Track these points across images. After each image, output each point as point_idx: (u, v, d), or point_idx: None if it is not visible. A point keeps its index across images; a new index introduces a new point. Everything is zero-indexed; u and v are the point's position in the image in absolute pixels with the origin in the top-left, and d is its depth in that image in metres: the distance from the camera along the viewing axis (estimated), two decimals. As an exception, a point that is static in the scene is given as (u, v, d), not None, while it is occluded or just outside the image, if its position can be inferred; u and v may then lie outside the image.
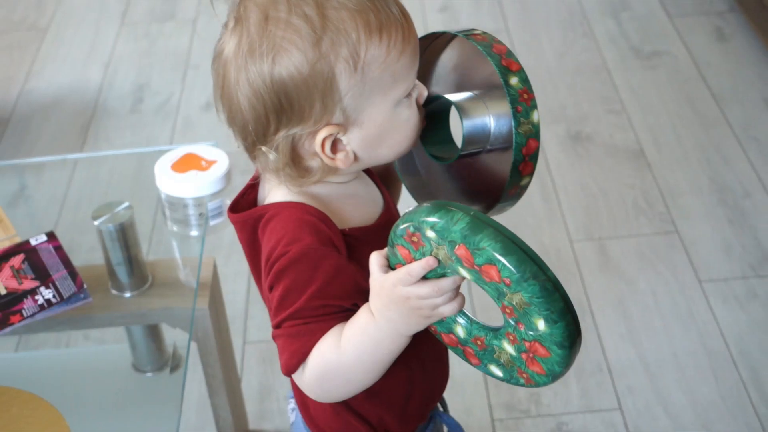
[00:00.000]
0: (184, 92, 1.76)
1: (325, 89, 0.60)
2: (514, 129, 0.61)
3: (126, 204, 0.92)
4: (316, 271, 0.62)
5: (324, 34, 0.60)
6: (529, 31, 1.83)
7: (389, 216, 0.69)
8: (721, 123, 1.53)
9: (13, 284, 0.94)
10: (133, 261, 0.96)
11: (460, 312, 0.62)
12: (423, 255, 0.56)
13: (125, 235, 0.93)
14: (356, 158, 0.63)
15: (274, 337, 0.64)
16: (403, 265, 0.57)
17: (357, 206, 0.69)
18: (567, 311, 0.55)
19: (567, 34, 1.81)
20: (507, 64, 0.62)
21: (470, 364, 0.64)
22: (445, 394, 0.74)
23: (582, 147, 1.51)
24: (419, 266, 0.55)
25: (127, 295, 0.96)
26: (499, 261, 0.52)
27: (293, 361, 0.62)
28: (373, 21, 0.61)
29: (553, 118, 1.57)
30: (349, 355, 0.60)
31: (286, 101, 0.61)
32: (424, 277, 0.58)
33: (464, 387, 1.15)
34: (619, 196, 1.40)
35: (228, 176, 1.00)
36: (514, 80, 0.61)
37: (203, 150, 0.99)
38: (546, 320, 0.55)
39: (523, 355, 0.61)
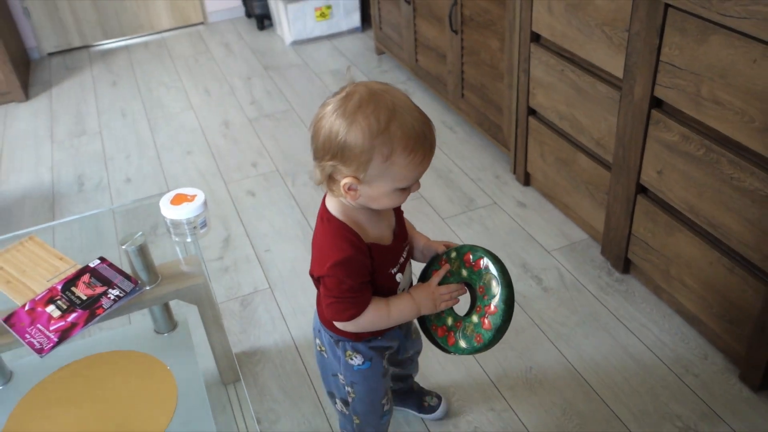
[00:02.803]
0: (109, 174, 2.64)
1: (364, 161, 0.94)
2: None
3: (140, 233, 1.31)
4: (357, 267, 1.03)
5: (381, 134, 0.92)
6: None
7: (398, 242, 1.11)
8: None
9: (89, 292, 1.27)
10: (149, 267, 1.32)
11: (450, 309, 1.11)
12: (451, 266, 1.10)
13: (143, 252, 1.30)
14: (358, 198, 0.98)
15: (336, 300, 1.05)
16: (438, 270, 1.12)
17: (375, 228, 1.06)
18: (510, 282, 1.04)
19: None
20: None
21: (448, 347, 1.11)
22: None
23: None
24: (453, 287, 1.10)
25: (148, 288, 1.32)
26: (484, 256, 1.06)
27: (356, 313, 1.06)
28: (411, 143, 0.94)
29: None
30: (392, 318, 1.10)
31: (340, 151, 0.94)
32: (441, 283, 1.11)
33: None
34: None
35: (205, 203, 1.40)
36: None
37: (186, 190, 1.42)
38: (501, 286, 1.03)
39: (482, 319, 1.04)
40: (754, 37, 1.24)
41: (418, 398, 1.53)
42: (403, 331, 1.26)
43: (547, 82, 1.97)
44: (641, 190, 1.72)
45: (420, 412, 1.53)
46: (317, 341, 1.27)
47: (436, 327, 1.13)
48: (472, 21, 2.31)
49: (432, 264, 1.15)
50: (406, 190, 0.99)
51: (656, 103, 1.57)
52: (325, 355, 1.26)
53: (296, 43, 3.62)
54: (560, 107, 1.94)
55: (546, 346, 1.72)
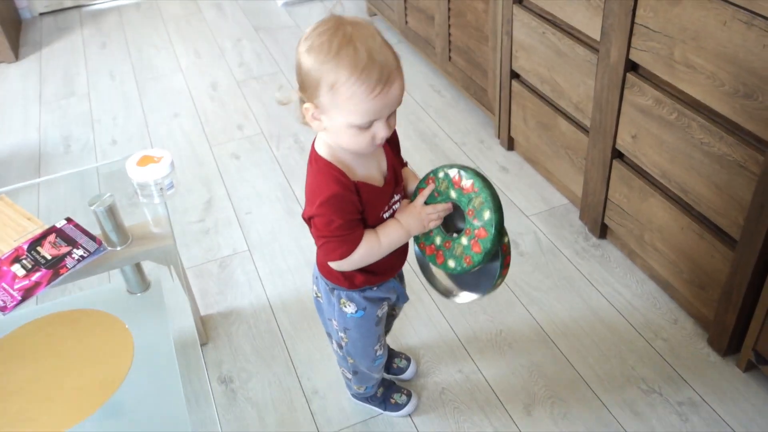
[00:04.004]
0: (95, 136, 2.65)
1: (314, 86, 0.94)
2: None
3: (109, 194, 1.32)
4: (344, 204, 1.02)
5: (329, 61, 0.92)
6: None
7: (388, 186, 1.09)
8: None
9: (54, 251, 1.28)
10: (119, 228, 1.35)
11: (438, 228, 1.09)
12: (438, 186, 1.07)
13: (112, 213, 1.32)
14: (323, 128, 0.99)
15: (326, 241, 1.04)
16: (424, 189, 1.09)
17: (362, 168, 1.06)
18: (500, 207, 1.02)
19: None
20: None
21: (437, 264, 1.11)
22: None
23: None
24: (440, 206, 1.07)
25: (118, 248, 1.35)
26: (474, 179, 1.03)
27: (346, 252, 1.05)
28: (356, 72, 0.90)
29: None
30: (383, 247, 1.08)
31: (299, 75, 0.96)
32: (427, 203, 1.08)
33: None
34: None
35: (172, 164, 1.39)
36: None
37: (153, 151, 1.42)
38: (491, 210, 1.01)
39: (472, 242, 1.03)
40: (723, -1, 1.22)
41: (387, 359, 1.55)
42: (398, 279, 1.27)
43: (528, 44, 1.94)
44: (617, 155, 1.71)
45: (389, 373, 1.55)
46: (314, 287, 1.28)
47: (425, 245, 1.13)
48: (458, -18, 2.27)
49: (420, 183, 1.12)
50: (366, 130, 0.96)
51: (631, 66, 1.54)
52: (321, 301, 1.28)
53: (288, 4, 3.57)
54: (541, 70, 1.92)
55: (518, 309, 1.73)
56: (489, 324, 1.69)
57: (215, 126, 2.62)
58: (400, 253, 1.18)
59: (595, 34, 1.62)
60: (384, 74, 0.91)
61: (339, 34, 0.91)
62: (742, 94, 1.25)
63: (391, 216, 1.12)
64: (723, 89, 1.29)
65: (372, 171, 1.08)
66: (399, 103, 0.97)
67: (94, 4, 3.81)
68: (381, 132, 0.97)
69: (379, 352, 1.33)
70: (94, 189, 1.70)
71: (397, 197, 1.13)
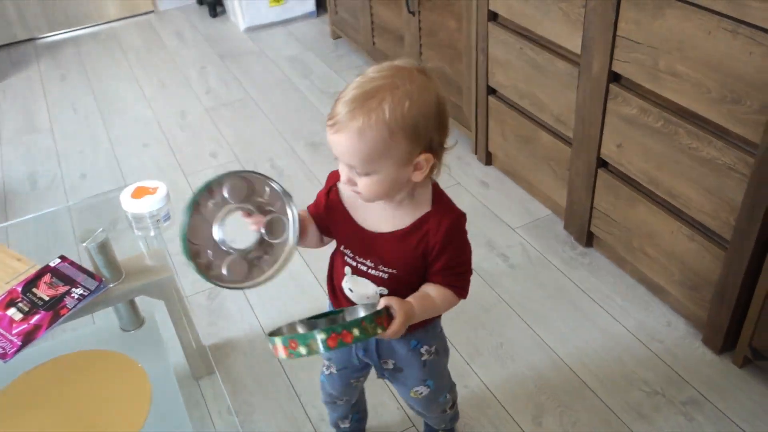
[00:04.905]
0: (62, 171, 2.55)
1: None
2: None
3: (101, 229, 1.26)
4: (316, 199, 1.09)
5: None
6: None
7: (371, 241, 1.02)
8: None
9: (51, 292, 1.23)
10: (112, 264, 1.28)
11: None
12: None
13: (105, 248, 1.26)
14: None
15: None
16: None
17: (360, 205, 1.02)
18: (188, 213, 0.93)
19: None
20: None
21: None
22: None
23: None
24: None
25: (111, 285, 1.28)
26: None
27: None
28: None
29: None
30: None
31: None
32: None
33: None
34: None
35: (168, 196, 1.36)
36: None
37: (147, 183, 1.38)
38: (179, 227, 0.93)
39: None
40: (708, 9, 1.27)
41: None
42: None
43: (505, 60, 1.98)
44: (602, 164, 1.75)
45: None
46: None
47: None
48: (429, 1, 2.30)
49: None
50: (341, 163, 0.94)
51: (614, 77, 1.59)
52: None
53: (250, 29, 3.55)
54: (520, 85, 1.96)
55: (515, 321, 1.74)
56: (489, 338, 1.70)
57: (188, 155, 2.58)
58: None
59: (576, 47, 1.66)
60: (335, 116, 0.90)
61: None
62: (730, 99, 1.29)
63: (355, 273, 1.06)
64: (710, 96, 1.34)
65: (366, 213, 1.03)
66: (348, 158, 0.91)
67: (49, 36, 3.72)
68: (341, 174, 0.95)
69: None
70: (67, 227, 1.64)
71: (370, 263, 1.04)
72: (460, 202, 2.40)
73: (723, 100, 1.31)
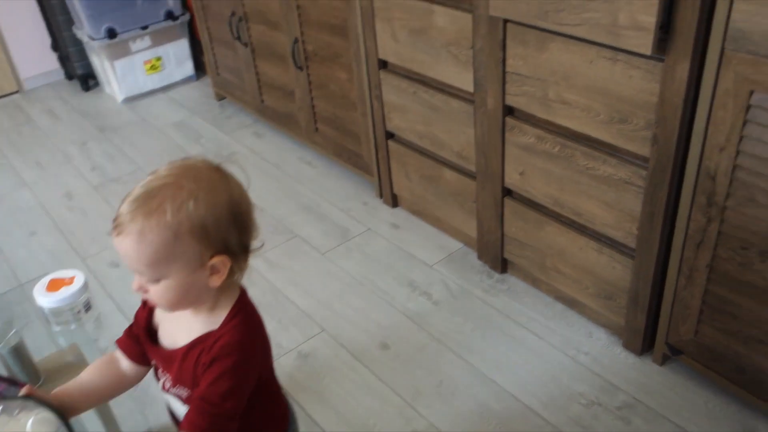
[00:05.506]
0: None
1: None
2: None
3: (14, 330, 1.17)
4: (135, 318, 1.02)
5: None
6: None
7: (172, 359, 0.93)
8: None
9: None
10: (28, 366, 1.20)
11: None
12: None
13: (19, 352, 1.18)
14: None
15: None
16: None
17: (168, 316, 0.95)
18: None
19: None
20: None
21: None
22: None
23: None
24: None
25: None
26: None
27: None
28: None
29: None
30: None
31: None
32: None
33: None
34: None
35: (86, 285, 1.33)
36: None
37: (62, 273, 1.33)
38: None
39: None
40: (588, 41, 1.38)
41: None
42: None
43: (401, 105, 2.04)
44: (507, 192, 1.84)
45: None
46: None
47: None
48: (317, 56, 2.35)
49: None
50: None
51: (509, 110, 1.69)
52: None
53: (129, 99, 3.45)
54: (418, 127, 2.03)
55: (449, 357, 1.76)
56: (428, 377, 1.71)
57: (82, 237, 2.43)
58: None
59: (468, 86, 1.75)
60: (118, 218, 0.85)
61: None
62: (618, 120, 1.41)
63: (161, 383, 1.00)
64: (599, 119, 1.45)
65: (171, 324, 0.97)
66: (133, 263, 0.85)
67: None
68: (137, 282, 0.88)
69: None
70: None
71: (169, 383, 0.97)
72: (374, 246, 2.42)
73: (611, 121, 1.43)
